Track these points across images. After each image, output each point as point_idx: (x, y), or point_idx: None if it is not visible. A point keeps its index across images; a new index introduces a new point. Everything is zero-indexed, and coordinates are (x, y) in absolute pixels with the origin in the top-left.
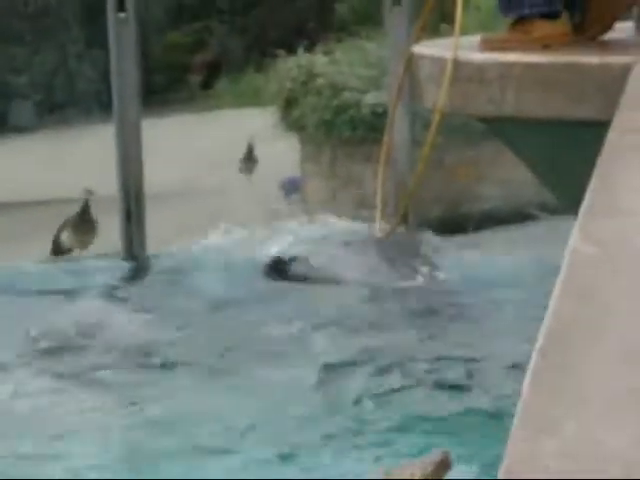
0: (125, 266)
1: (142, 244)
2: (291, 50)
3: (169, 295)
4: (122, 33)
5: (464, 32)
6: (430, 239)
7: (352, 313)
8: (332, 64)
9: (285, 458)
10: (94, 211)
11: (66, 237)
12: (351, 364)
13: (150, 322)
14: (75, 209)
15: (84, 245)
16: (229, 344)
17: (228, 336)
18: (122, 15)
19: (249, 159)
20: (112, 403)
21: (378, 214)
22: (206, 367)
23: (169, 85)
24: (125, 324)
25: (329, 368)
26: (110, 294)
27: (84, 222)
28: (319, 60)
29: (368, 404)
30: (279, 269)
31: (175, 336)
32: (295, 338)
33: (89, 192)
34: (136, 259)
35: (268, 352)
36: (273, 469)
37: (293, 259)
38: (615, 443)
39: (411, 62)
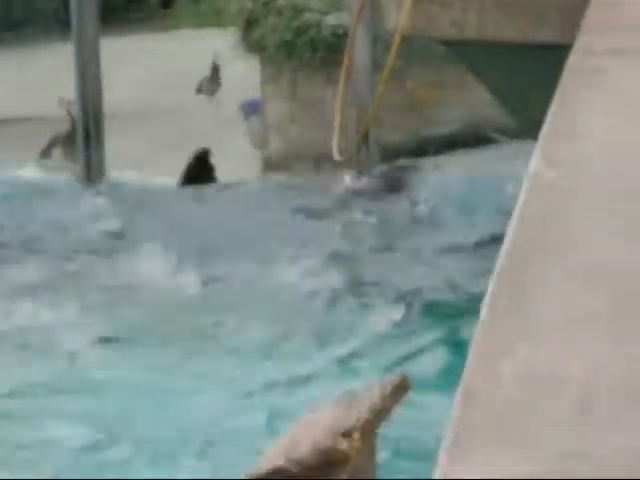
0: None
1: (100, 164)
2: None
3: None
4: None
5: None
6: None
7: None
8: None
9: None
10: (51, 130)
11: (58, 153)
12: None
13: None
14: (33, 127)
15: (74, 159)
16: None
17: None
18: None
19: (213, 80)
20: None
21: (336, 135)
22: None
23: (128, 4)
24: None
25: None
26: None
27: (74, 136)
28: None
29: None
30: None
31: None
32: None
33: (68, 103)
34: (94, 181)
35: None
36: None
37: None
38: (570, 364)
39: None
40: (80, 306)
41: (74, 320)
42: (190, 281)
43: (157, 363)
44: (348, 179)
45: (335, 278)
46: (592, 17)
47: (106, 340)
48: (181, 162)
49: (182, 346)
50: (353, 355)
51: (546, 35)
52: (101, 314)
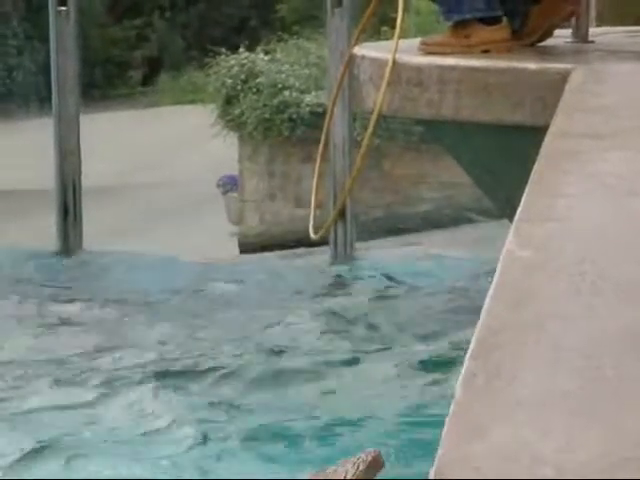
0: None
1: (79, 238)
2: (232, 48)
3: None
4: (62, 27)
5: (404, 35)
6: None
7: None
8: (273, 63)
9: None
10: (30, 203)
11: None
12: None
13: None
14: (12, 200)
15: None
16: None
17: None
18: (63, 9)
19: None
20: None
21: (312, 213)
22: None
23: (109, 80)
24: None
25: None
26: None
27: None
28: (260, 59)
29: None
30: None
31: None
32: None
33: None
34: (72, 254)
35: None
36: None
37: None
38: (545, 446)
39: (351, 63)
40: None
41: None
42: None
43: None
44: None
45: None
46: (569, 100)
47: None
48: (158, 237)
49: None
50: None
51: (522, 117)
52: None
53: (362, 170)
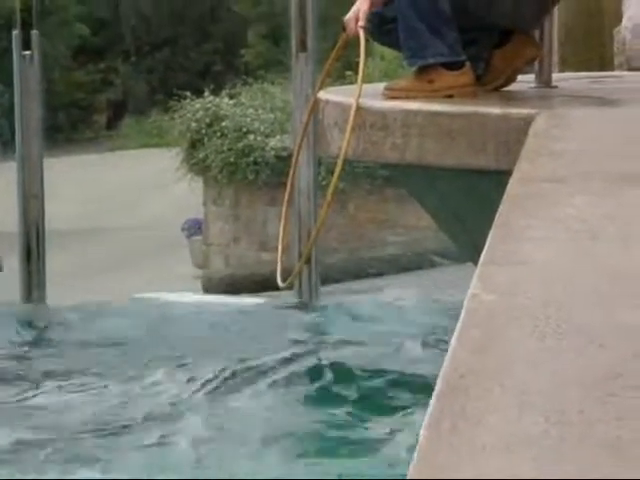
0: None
1: (42, 284)
2: (197, 92)
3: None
4: (27, 71)
5: (369, 80)
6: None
7: None
8: (237, 107)
9: None
10: None
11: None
12: None
13: None
14: None
15: None
16: None
17: None
18: (27, 53)
19: None
20: None
21: (279, 261)
22: None
23: (74, 124)
24: None
25: None
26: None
27: None
28: (224, 103)
29: None
30: None
31: None
32: None
33: None
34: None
35: None
36: None
37: None
38: None
39: (316, 107)
40: None
41: None
42: None
43: None
44: None
45: None
46: (532, 144)
47: None
48: (122, 282)
49: None
50: None
51: (486, 161)
52: None
53: (327, 217)
